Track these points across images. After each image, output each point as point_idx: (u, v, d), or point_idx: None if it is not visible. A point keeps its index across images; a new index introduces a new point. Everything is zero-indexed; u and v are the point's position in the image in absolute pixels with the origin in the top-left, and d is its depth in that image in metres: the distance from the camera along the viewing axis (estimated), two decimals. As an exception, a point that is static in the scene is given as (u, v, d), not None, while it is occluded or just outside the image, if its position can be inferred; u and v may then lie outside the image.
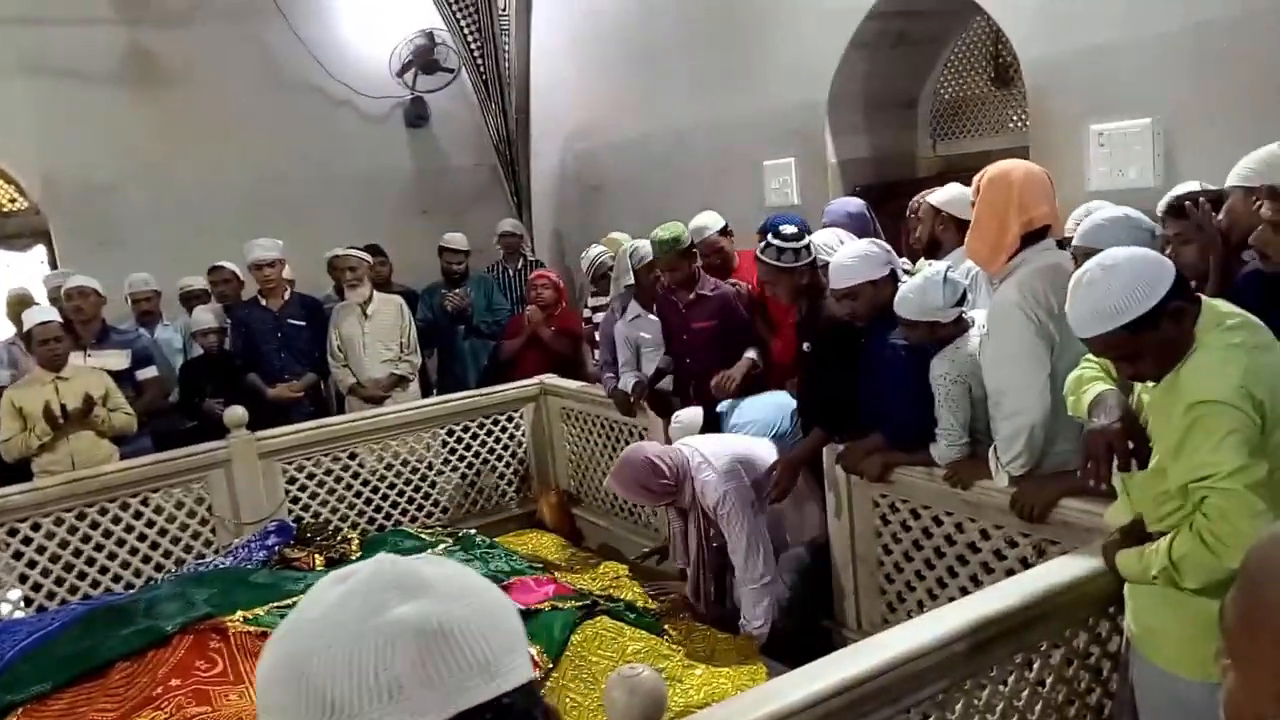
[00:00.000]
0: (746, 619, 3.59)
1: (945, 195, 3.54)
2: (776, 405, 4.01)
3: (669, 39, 5.85)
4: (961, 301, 2.97)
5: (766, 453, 3.76)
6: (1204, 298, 1.97)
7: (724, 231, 4.53)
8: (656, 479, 3.57)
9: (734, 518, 3.57)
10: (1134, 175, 3.52)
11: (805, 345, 3.64)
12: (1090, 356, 2.33)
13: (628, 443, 4.85)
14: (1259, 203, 2.38)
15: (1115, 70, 3.58)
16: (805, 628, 3.68)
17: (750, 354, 4.18)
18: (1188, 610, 1.95)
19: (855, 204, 4.12)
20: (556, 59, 7.04)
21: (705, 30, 5.55)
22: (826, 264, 3.42)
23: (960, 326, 3.00)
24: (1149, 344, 1.91)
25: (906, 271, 3.31)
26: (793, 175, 5.12)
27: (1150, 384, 2.06)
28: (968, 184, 3.50)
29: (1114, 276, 1.90)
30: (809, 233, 3.67)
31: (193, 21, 6.63)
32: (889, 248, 3.34)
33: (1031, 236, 2.75)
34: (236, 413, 4.60)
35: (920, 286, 2.94)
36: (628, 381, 4.62)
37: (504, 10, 7.16)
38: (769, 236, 3.56)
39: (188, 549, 4.53)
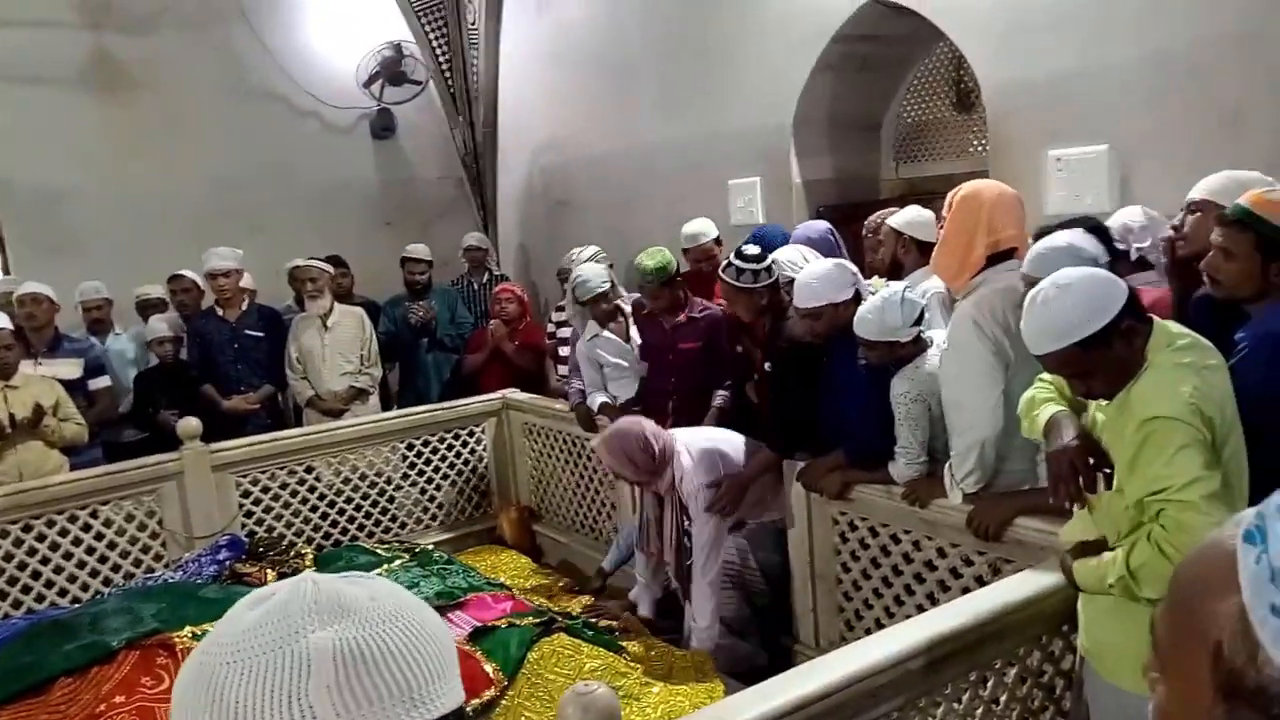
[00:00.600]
0: (694, 617, 3.58)
1: (905, 218, 3.57)
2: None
3: (638, 57, 5.88)
4: (919, 321, 3.00)
5: (741, 448, 3.77)
6: (1156, 319, 2.00)
7: (717, 240, 4.55)
8: (644, 454, 3.54)
9: (704, 513, 3.57)
10: (1090, 200, 3.58)
11: (767, 365, 3.65)
12: (1044, 376, 2.37)
13: (590, 459, 4.84)
14: (1202, 212, 2.45)
15: (1074, 97, 3.65)
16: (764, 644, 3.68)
17: (718, 399, 4.17)
18: (1139, 626, 1.96)
19: (819, 228, 4.12)
20: (525, 73, 7.05)
21: (674, 49, 5.58)
22: (791, 280, 3.43)
23: (919, 346, 3.03)
24: (1101, 362, 1.95)
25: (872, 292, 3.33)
26: (758, 195, 5.16)
27: (1103, 403, 2.09)
28: (929, 206, 3.57)
29: (1068, 295, 1.93)
30: (775, 248, 3.70)
31: (157, 27, 6.56)
32: (855, 269, 3.36)
33: (997, 257, 2.78)
34: (190, 424, 4.52)
35: (879, 307, 2.97)
36: (595, 400, 4.59)
37: (473, 24, 7.16)
38: (731, 256, 3.58)
39: (136, 563, 4.43)
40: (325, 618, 0.66)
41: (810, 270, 3.33)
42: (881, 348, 3.00)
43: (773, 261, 3.60)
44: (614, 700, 1.60)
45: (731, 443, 3.78)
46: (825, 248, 3.93)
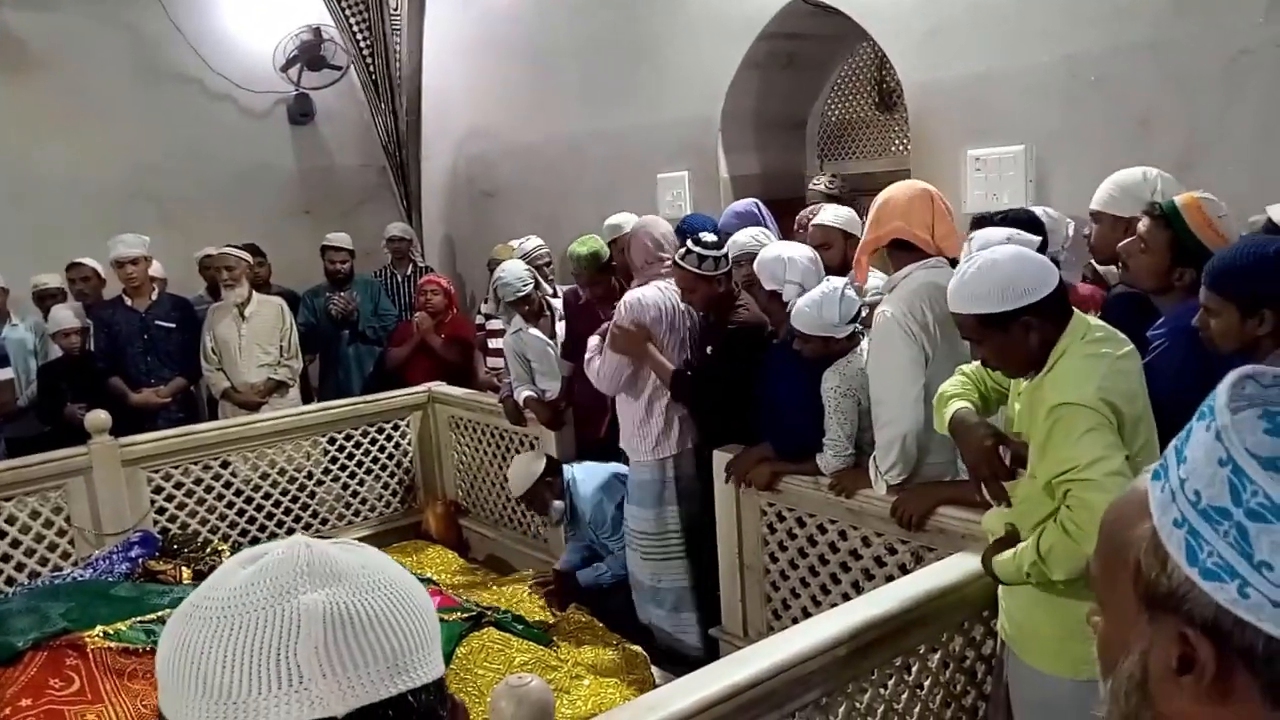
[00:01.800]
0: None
1: (845, 217, 3.55)
2: (607, 486, 4.13)
3: (565, 47, 5.84)
4: (856, 318, 3.05)
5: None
6: (1076, 312, 2.08)
7: None
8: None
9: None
10: (1007, 199, 3.68)
11: (709, 349, 3.65)
12: (963, 368, 2.44)
13: (518, 451, 4.80)
14: (1128, 232, 2.54)
15: (992, 98, 3.76)
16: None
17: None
18: (1059, 611, 2.05)
19: (743, 204, 4.10)
20: (449, 61, 6.94)
21: (602, 41, 5.56)
22: (752, 257, 3.38)
23: (853, 342, 3.08)
24: (992, 340, 2.06)
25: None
26: (686, 188, 5.18)
27: (1019, 394, 2.17)
28: (852, 205, 3.66)
29: (990, 270, 2.02)
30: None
31: (61, 4, 6.26)
32: (818, 260, 3.30)
33: (903, 251, 2.85)
34: (99, 417, 4.34)
35: (817, 301, 3.00)
36: (521, 393, 4.56)
37: (395, 10, 7.01)
38: (689, 243, 3.53)
39: (43, 561, 4.24)
40: (317, 580, 0.67)
41: (777, 249, 3.31)
42: (816, 342, 3.04)
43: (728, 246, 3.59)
44: (547, 693, 1.59)
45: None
46: (749, 220, 3.93)
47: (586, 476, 4.17)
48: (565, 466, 4.20)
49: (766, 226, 3.84)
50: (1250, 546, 0.61)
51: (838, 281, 3.06)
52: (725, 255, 3.53)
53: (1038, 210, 3.16)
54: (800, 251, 3.25)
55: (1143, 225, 2.41)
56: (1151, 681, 0.69)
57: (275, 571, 0.68)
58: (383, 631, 0.67)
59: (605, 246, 4.24)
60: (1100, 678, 0.76)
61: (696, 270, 3.49)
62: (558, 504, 4.17)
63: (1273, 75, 2.95)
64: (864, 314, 3.12)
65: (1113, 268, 2.91)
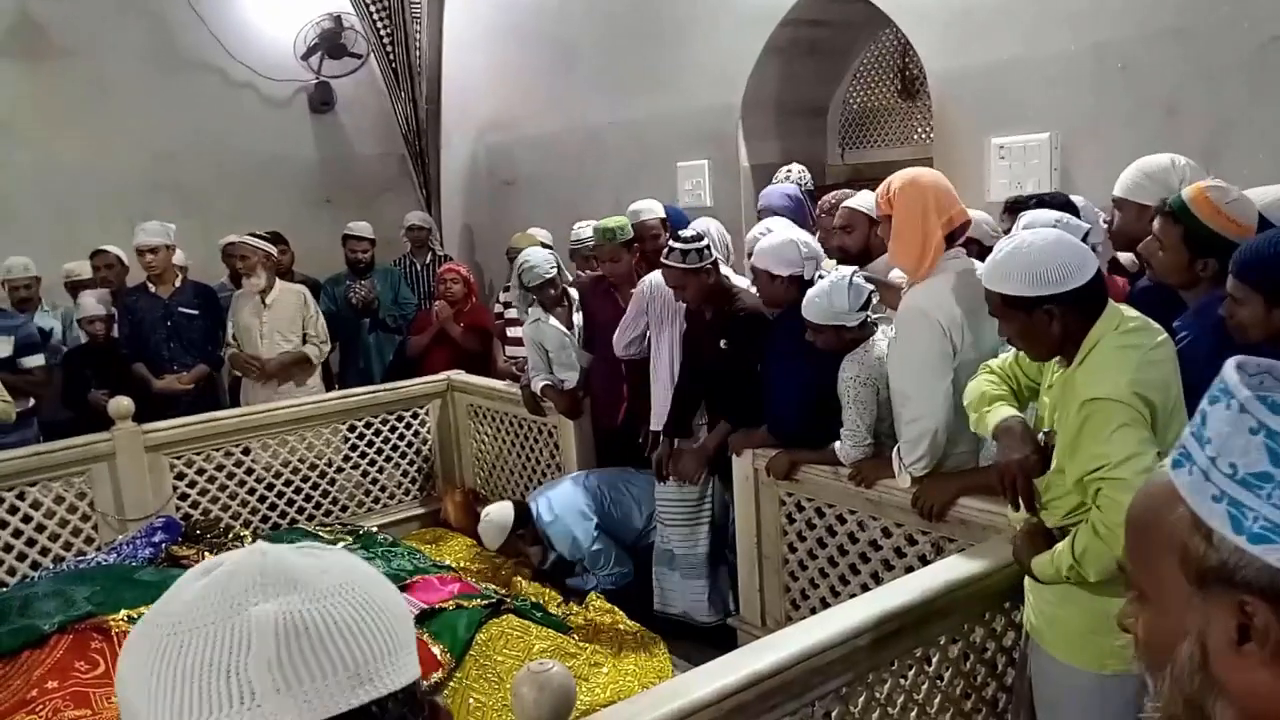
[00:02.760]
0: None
1: (870, 201, 3.41)
2: (580, 487, 4.18)
3: (585, 35, 5.83)
4: (867, 305, 3.03)
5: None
6: (1111, 303, 2.05)
7: (663, 222, 4.45)
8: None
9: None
10: (1032, 187, 3.64)
11: (722, 343, 3.65)
12: (990, 364, 2.41)
13: (537, 441, 4.82)
14: (1153, 221, 2.52)
15: (1016, 86, 3.72)
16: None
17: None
18: (1086, 604, 2.03)
19: (791, 188, 4.15)
20: (469, 50, 6.94)
21: (622, 28, 5.54)
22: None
23: (866, 330, 3.07)
24: (1013, 321, 2.05)
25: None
26: (705, 177, 5.16)
27: (1049, 386, 2.14)
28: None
29: (1025, 252, 2.00)
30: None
31: (83, -8, 6.30)
32: (810, 251, 3.34)
33: (952, 237, 2.81)
34: (122, 404, 4.38)
35: (826, 291, 3.00)
36: (538, 383, 4.56)
37: (416, -2, 7.02)
38: (670, 241, 3.59)
39: (67, 546, 4.28)
40: (270, 590, 0.64)
41: (770, 236, 3.39)
42: (828, 331, 3.04)
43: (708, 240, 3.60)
44: (569, 679, 1.60)
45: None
46: (794, 205, 3.94)
47: (558, 513, 4.14)
48: (531, 505, 4.19)
49: (807, 216, 3.88)
50: None
51: (846, 270, 3.06)
52: (707, 245, 3.55)
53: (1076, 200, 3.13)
54: (799, 232, 3.34)
55: (1156, 225, 2.39)
56: (1213, 660, 0.69)
57: (226, 583, 0.65)
58: (343, 640, 0.64)
59: (629, 226, 4.23)
60: (1149, 674, 0.76)
61: (683, 265, 3.51)
62: (534, 549, 4.24)
63: (1303, 62, 2.90)
64: (874, 301, 3.10)
65: (1131, 255, 2.87)
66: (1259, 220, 2.38)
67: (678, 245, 3.55)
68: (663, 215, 4.43)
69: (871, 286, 3.09)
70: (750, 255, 3.49)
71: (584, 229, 5.06)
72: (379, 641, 0.66)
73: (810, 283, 3.22)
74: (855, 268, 3.16)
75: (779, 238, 3.36)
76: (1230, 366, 0.71)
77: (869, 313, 3.06)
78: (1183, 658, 0.71)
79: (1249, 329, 2.04)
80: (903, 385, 2.82)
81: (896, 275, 3.31)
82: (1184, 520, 0.70)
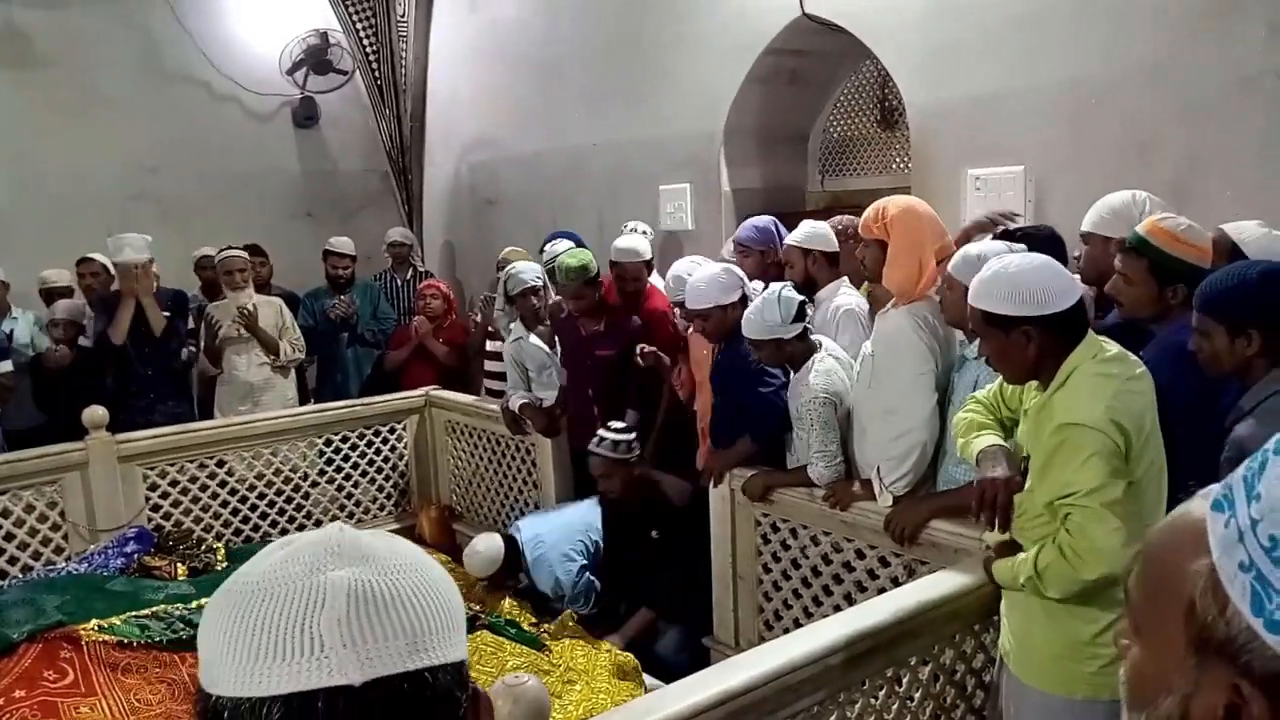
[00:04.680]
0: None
1: (804, 233, 3.62)
2: (571, 527, 4.13)
3: (570, 57, 5.89)
4: (800, 317, 3.11)
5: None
6: (1091, 333, 2.11)
7: (649, 263, 4.42)
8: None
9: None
10: (1007, 219, 3.72)
11: (654, 533, 3.88)
12: (977, 396, 2.46)
13: (515, 459, 4.82)
14: (1089, 244, 2.63)
15: (994, 119, 3.80)
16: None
17: (629, 417, 4.19)
18: (1058, 629, 2.07)
19: (763, 219, 4.18)
20: (455, 69, 6.99)
21: (607, 52, 5.61)
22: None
23: (808, 346, 3.16)
24: (991, 339, 2.10)
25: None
26: (688, 201, 5.21)
27: (1026, 411, 2.19)
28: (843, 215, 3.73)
29: (1014, 274, 2.05)
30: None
31: (69, 2, 6.29)
32: (742, 274, 3.52)
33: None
34: (96, 413, 4.34)
35: (759, 307, 3.13)
36: (515, 400, 4.58)
37: (403, 16, 7.06)
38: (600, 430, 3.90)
39: (36, 556, 4.23)
40: (345, 560, 0.71)
41: (699, 274, 3.48)
42: (769, 346, 3.14)
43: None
44: (544, 692, 1.61)
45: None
46: (764, 235, 3.98)
47: (544, 552, 4.03)
48: (515, 536, 4.11)
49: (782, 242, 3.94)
50: None
51: (775, 286, 3.18)
52: (635, 437, 3.93)
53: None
54: (710, 263, 3.54)
55: (1119, 262, 2.48)
56: None
57: (307, 551, 0.72)
58: (404, 610, 0.70)
59: (593, 262, 4.18)
60: (1126, 708, 0.73)
61: (612, 456, 3.86)
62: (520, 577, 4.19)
63: (1272, 103, 2.99)
64: (809, 313, 3.21)
65: (1091, 289, 2.94)
66: (1232, 251, 2.46)
67: (608, 435, 3.80)
68: (647, 257, 4.39)
69: (802, 298, 3.18)
70: (685, 305, 3.60)
71: (557, 245, 4.88)
72: (435, 617, 0.72)
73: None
74: (787, 284, 3.26)
75: (707, 274, 3.46)
76: None
77: (806, 324, 3.15)
78: (1161, 714, 0.67)
79: (1214, 362, 2.11)
80: (891, 401, 2.87)
81: (844, 302, 3.41)
82: (1202, 575, 0.63)
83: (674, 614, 3.76)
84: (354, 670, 0.67)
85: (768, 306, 3.09)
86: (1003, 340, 2.07)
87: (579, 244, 4.64)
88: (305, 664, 0.67)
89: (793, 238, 3.67)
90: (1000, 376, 2.28)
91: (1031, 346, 2.04)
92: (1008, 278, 2.04)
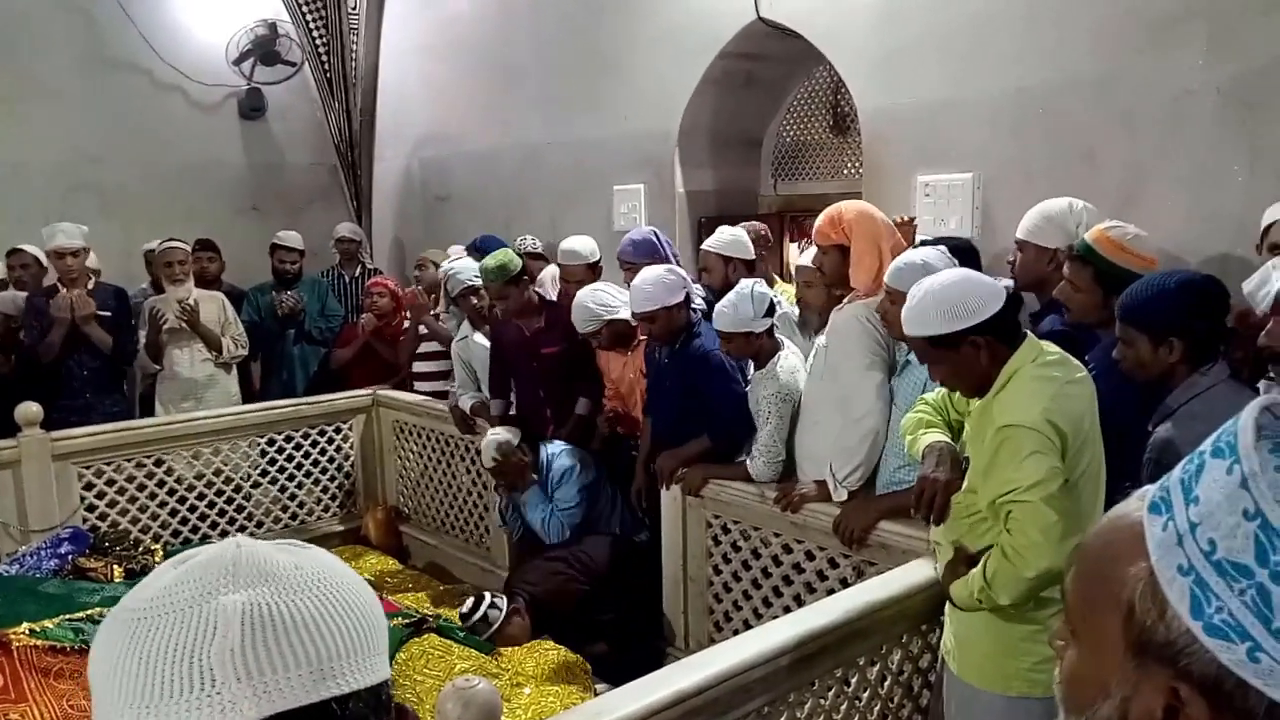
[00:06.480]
0: None
1: (722, 240, 3.81)
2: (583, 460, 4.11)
3: (525, 54, 5.85)
4: (770, 312, 3.21)
5: None
6: (1029, 336, 2.15)
7: (593, 266, 4.40)
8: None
9: None
10: (954, 225, 3.78)
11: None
12: (925, 398, 2.50)
13: (463, 459, 4.77)
14: (1052, 262, 2.69)
15: (943, 126, 3.85)
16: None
17: (580, 406, 4.22)
18: (994, 628, 2.11)
19: (640, 231, 4.21)
20: (407, 63, 6.90)
21: (562, 50, 5.58)
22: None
23: (774, 342, 3.26)
24: (944, 360, 2.11)
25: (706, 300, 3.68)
26: (641, 201, 5.21)
27: (969, 413, 2.22)
28: (806, 223, 3.76)
29: (942, 293, 2.08)
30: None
31: (4, -16, 6.09)
32: (685, 274, 3.57)
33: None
34: (30, 410, 4.21)
35: (732, 302, 3.20)
36: (465, 400, 4.53)
37: (354, 9, 6.95)
38: None
39: (-38, 556, 4.09)
40: (242, 581, 0.66)
41: (644, 276, 3.50)
42: (739, 339, 3.22)
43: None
44: (494, 695, 1.59)
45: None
46: (646, 249, 4.02)
47: (562, 451, 4.06)
48: (542, 446, 4.07)
49: (666, 254, 4.01)
50: (1271, 611, 0.56)
51: (748, 282, 3.25)
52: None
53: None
54: (650, 268, 3.55)
55: (1067, 269, 2.55)
56: None
57: (200, 572, 0.66)
58: (308, 634, 0.65)
59: (515, 260, 4.12)
60: (1063, 711, 0.73)
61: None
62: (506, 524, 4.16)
63: (1212, 116, 3.07)
64: (779, 311, 3.31)
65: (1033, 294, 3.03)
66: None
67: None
68: (591, 260, 4.38)
69: (772, 294, 3.29)
70: (622, 319, 3.71)
71: (455, 261, 4.81)
72: (345, 639, 0.67)
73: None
74: (758, 279, 3.35)
75: (651, 275, 3.47)
76: (1251, 416, 0.60)
77: (773, 319, 3.25)
78: (1102, 717, 0.66)
79: (1138, 369, 2.18)
80: (844, 389, 2.93)
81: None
82: (1140, 578, 0.63)
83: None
84: (249, 706, 0.62)
85: (741, 301, 3.17)
86: (954, 358, 2.08)
87: (501, 247, 4.49)
88: (196, 701, 0.62)
89: (711, 244, 3.82)
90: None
91: (983, 355, 2.06)
92: (935, 298, 2.07)
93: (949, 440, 2.33)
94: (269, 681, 0.63)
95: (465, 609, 3.64)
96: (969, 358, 2.07)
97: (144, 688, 0.62)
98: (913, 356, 2.81)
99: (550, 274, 4.86)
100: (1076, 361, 2.15)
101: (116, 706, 0.63)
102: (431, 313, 5.08)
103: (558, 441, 4.13)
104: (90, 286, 5.03)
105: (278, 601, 0.65)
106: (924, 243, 3.17)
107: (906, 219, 3.56)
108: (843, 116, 4.90)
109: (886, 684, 2.46)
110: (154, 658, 0.62)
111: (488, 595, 3.71)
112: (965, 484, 2.18)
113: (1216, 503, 0.59)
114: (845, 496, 2.90)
